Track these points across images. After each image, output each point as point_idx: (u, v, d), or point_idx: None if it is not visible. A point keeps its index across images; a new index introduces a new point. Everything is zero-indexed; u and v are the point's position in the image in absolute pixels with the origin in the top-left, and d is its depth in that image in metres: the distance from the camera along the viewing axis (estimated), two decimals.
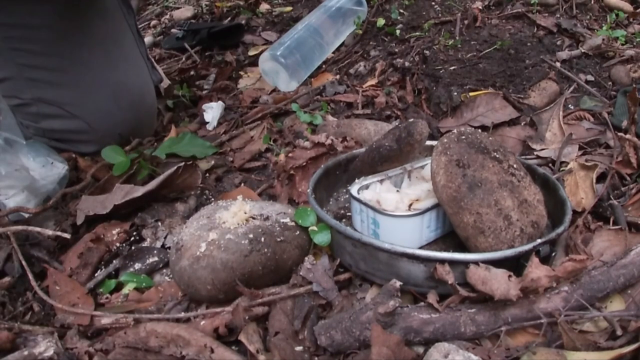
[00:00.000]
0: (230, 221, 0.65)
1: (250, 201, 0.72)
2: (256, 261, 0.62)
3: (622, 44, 1.19)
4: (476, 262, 0.57)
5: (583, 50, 1.15)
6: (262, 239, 0.63)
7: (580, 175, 0.81)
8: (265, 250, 0.63)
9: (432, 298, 0.58)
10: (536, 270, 0.56)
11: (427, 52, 1.15)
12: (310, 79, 1.23)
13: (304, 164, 0.84)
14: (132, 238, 0.78)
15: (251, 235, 0.63)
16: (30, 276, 0.68)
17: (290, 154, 0.86)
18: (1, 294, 0.68)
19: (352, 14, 1.35)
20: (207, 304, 0.64)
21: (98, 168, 0.91)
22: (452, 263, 0.58)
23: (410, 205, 0.66)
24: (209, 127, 1.09)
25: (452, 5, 1.33)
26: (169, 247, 0.72)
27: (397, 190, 0.70)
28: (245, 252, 0.62)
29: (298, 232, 0.67)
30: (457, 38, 1.19)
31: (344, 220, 0.74)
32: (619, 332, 0.54)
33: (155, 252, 0.73)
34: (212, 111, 1.11)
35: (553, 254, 0.65)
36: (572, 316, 0.55)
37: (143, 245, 0.76)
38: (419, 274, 0.60)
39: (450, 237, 0.68)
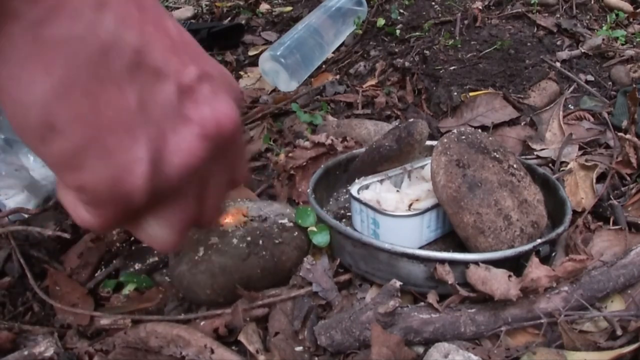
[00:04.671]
0: (228, 224, 0.65)
1: (248, 201, 0.72)
2: (254, 265, 0.62)
3: (622, 44, 1.20)
4: (476, 262, 0.57)
5: (583, 50, 1.15)
6: (260, 242, 0.63)
7: (580, 175, 0.81)
8: (264, 253, 0.62)
9: (432, 298, 0.58)
10: (536, 270, 0.56)
11: (427, 52, 1.15)
12: (310, 79, 1.23)
13: (304, 164, 0.84)
14: (132, 238, 0.78)
15: (249, 239, 0.63)
16: (30, 276, 0.68)
17: (290, 154, 0.86)
18: (1, 294, 0.68)
19: (352, 14, 1.35)
20: (207, 307, 0.64)
21: None
22: (452, 263, 0.58)
23: (410, 205, 0.66)
24: None
25: (452, 5, 1.33)
26: None
27: (397, 190, 0.70)
28: (244, 256, 0.61)
29: (296, 233, 0.67)
30: (457, 38, 1.19)
31: (344, 220, 0.74)
32: (619, 332, 0.54)
33: (155, 252, 0.73)
34: None
35: (553, 254, 0.65)
36: (572, 316, 0.55)
37: (143, 245, 0.76)
38: (419, 274, 0.60)
39: (450, 237, 0.68)
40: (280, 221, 0.67)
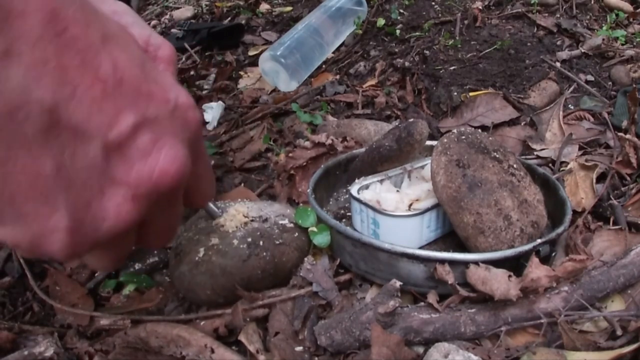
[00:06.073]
0: (228, 224, 0.64)
1: (248, 202, 0.72)
2: (255, 265, 0.62)
3: (622, 44, 1.20)
4: (476, 262, 0.57)
5: (583, 50, 1.15)
6: (261, 243, 0.63)
7: (580, 175, 0.81)
8: (264, 254, 0.62)
9: (432, 298, 0.58)
10: (536, 270, 0.56)
11: (427, 52, 1.15)
12: (310, 79, 1.23)
13: (304, 164, 0.84)
14: None
15: (249, 239, 0.63)
16: (30, 276, 0.68)
17: (290, 154, 0.86)
18: (1, 294, 0.68)
19: (352, 14, 1.35)
20: (207, 307, 0.64)
21: None
22: (452, 263, 0.58)
23: (410, 205, 0.66)
24: (209, 127, 1.09)
25: (452, 5, 1.33)
26: (170, 247, 0.72)
27: (397, 190, 0.70)
28: (244, 256, 0.61)
29: (297, 234, 0.66)
30: (457, 38, 1.19)
31: (344, 220, 0.74)
32: (619, 332, 0.54)
33: (155, 252, 0.73)
34: (212, 111, 1.11)
35: (553, 254, 0.65)
36: (572, 316, 0.55)
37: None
38: (419, 274, 0.60)
39: (450, 237, 0.68)
40: (280, 222, 0.67)
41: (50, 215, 0.25)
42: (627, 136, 0.81)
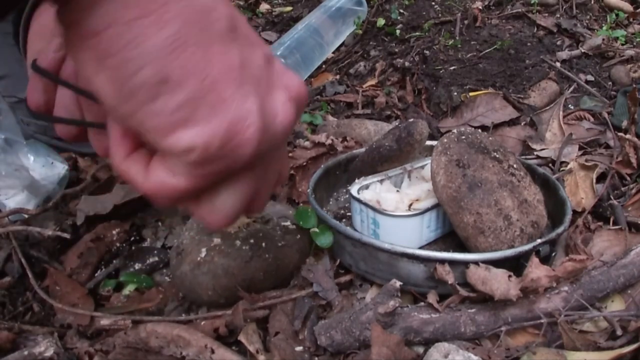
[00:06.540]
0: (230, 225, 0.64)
1: None
2: (257, 267, 0.62)
3: (622, 44, 1.20)
4: (476, 262, 0.57)
5: (583, 50, 1.15)
6: (263, 244, 0.63)
7: (580, 175, 0.81)
8: (267, 255, 0.62)
9: (432, 298, 0.58)
10: (536, 270, 0.56)
11: (427, 52, 1.15)
12: (310, 79, 1.23)
13: (304, 164, 0.84)
14: (132, 238, 0.78)
15: (252, 241, 0.63)
16: (30, 276, 0.68)
17: (290, 154, 0.86)
18: (1, 294, 0.68)
19: (352, 14, 1.35)
20: (208, 307, 0.64)
21: (98, 168, 0.90)
22: (452, 263, 0.58)
23: (410, 205, 0.66)
24: None
25: (452, 5, 1.33)
26: (170, 247, 0.72)
27: (397, 190, 0.70)
28: (246, 258, 0.61)
29: (299, 236, 0.66)
30: (457, 38, 1.19)
31: (344, 220, 0.74)
32: (619, 332, 0.54)
33: (155, 252, 0.73)
34: None
35: (553, 254, 0.65)
36: (572, 316, 0.56)
37: (143, 245, 0.76)
38: (419, 274, 0.60)
39: (450, 237, 0.68)
40: (283, 223, 0.67)
41: (246, 99, 0.29)
42: (627, 136, 0.81)
